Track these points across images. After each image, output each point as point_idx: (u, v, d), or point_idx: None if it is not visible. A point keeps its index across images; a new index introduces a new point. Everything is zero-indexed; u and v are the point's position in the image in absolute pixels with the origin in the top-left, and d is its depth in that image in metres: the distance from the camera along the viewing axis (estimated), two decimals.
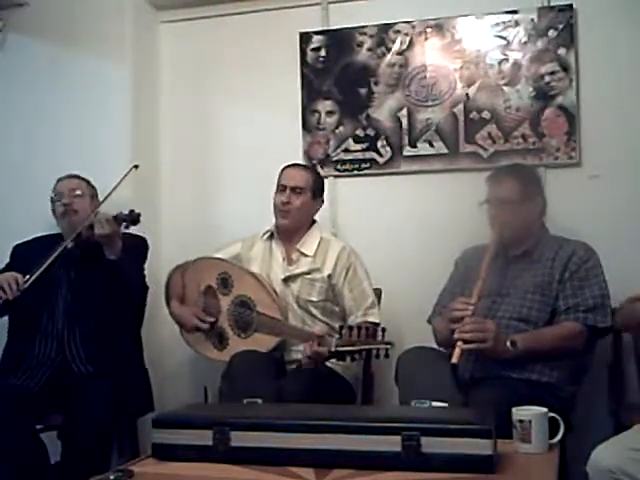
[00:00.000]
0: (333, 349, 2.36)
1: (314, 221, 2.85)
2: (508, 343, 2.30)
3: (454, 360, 2.26)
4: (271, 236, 2.84)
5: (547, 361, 2.35)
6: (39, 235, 2.85)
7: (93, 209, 2.70)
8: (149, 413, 2.67)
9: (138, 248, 2.78)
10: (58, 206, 2.76)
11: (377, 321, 2.66)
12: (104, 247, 2.57)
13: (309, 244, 2.77)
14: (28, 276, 2.55)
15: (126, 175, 2.72)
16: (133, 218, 2.58)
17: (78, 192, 2.77)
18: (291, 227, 2.77)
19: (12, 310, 2.65)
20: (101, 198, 2.76)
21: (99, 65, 3.18)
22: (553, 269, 2.45)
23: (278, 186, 2.78)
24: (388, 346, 2.31)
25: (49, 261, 2.57)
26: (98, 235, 2.54)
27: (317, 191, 2.81)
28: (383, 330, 2.34)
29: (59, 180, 2.83)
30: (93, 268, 2.63)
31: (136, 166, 2.76)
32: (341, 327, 2.39)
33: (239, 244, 2.88)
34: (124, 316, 2.71)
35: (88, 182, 2.84)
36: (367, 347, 2.32)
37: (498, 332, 2.29)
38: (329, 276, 2.71)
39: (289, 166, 2.83)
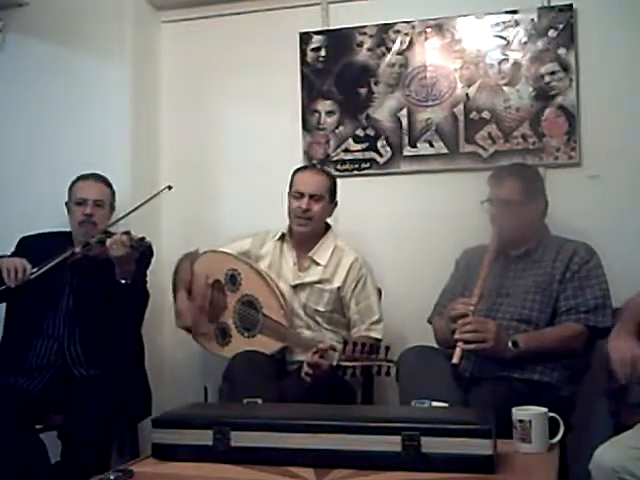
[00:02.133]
0: (335, 363, 2.34)
1: (328, 226, 2.81)
2: (510, 344, 2.29)
3: (455, 360, 2.26)
4: (282, 238, 2.81)
5: (548, 361, 2.35)
6: (46, 231, 2.83)
7: (105, 226, 2.68)
8: (147, 418, 2.66)
9: (145, 260, 2.74)
10: (78, 211, 2.72)
11: (379, 337, 2.65)
12: (117, 268, 2.55)
13: (322, 252, 2.73)
14: (36, 268, 2.54)
15: (157, 194, 2.71)
16: (143, 248, 2.57)
17: (102, 202, 2.74)
18: (309, 235, 2.74)
19: (9, 299, 2.64)
20: None
21: (99, 65, 3.18)
22: (554, 269, 2.45)
23: (292, 192, 2.74)
24: (390, 364, 2.31)
25: (56, 261, 2.56)
26: (113, 257, 2.52)
27: (333, 194, 2.77)
28: (387, 348, 2.33)
29: (83, 178, 2.78)
30: (97, 278, 2.61)
31: (170, 187, 2.76)
32: (345, 342, 2.37)
33: (249, 240, 2.85)
34: (125, 321, 2.70)
35: (110, 186, 2.81)
36: (369, 364, 2.32)
37: (499, 332, 2.29)
38: (339, 288, 2.69)
39: (303, 170, 2.80)
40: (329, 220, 2.83)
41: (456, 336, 2.29)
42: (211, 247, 2.89)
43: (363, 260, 2.75)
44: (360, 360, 2.32)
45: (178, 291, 2.81)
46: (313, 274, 2.72)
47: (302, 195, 2.69)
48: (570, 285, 2.42)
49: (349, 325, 2.72)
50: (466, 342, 2.27)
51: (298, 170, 2.79)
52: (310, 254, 2.74)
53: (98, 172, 2.81)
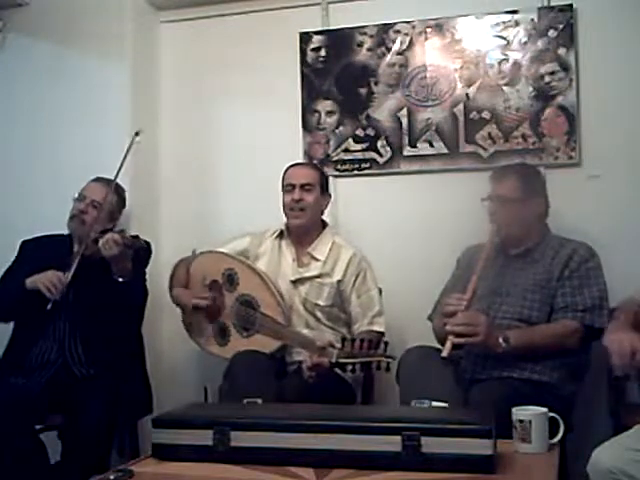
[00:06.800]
0: (334, 360, 2.34)
1: (325, 224, 2.82)
2: (501, 339, 2.29)
3: (444, 354, 2.28)
4: (280, 235, 2.81)
5: (542, 359, 2.34)
6: (47, 234, 2.83)
7: (96, 224, 2.66)
8: (148, 416, 2.66)
9: (142, 258, 2.72)
10: (74, 206, 2.74)
11: (382, 330, 2.66)
12: (112, 266, 2.55)
13: (321, 248, 2.74)
14: (67, 272, 2.54)
15: (131, 145, 2.69)
16: (137, 246, 2.57)
17: (98, 204, 2.72)
18: (305, 226, 2.74)
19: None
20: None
21: (99, 65, 3.18)
22: (552, 267, 2.45)
23: (285, 186, 2.76)
24: (389, 360, 2.31)
25: (78, 257, 2.55)
26: (106, 256, 2.52)
27: (324, 187, 2.80)
28: (386, 344, 2.33)
29: (96, 180, 2.79)
30: (96, 277, 2.60)
31: (137, 133, 2.74)
32: (343, 339, 2.37)
33: (247, 239, 2.85)
34: (125, 320, 2.70)
35: (119, 195, 2.80)
36: (368, 360, 2.31)
37: (490, 326, 2.29)
38: (339, 282, 2.69)
39: (293, 165, 2.81)
40: (326, 218, 2.84)
41: (447, 328, 2.30)
42: (211, 247, 2.88)
43: (362, 255, 2.76)
44: (359, 356, 2.31)
45: (173, 290, 2.84)
46: (313, 269, 2.72)
47: (294, 187, 2.72)
48: (568, 283, 2.41)
49: (350, 321, 2.72)
50: (457, 336, 2.27)
51: (289, 167, 2.81)
52: (309, 250, 2.75)
53: (118, 181, 2.78)
